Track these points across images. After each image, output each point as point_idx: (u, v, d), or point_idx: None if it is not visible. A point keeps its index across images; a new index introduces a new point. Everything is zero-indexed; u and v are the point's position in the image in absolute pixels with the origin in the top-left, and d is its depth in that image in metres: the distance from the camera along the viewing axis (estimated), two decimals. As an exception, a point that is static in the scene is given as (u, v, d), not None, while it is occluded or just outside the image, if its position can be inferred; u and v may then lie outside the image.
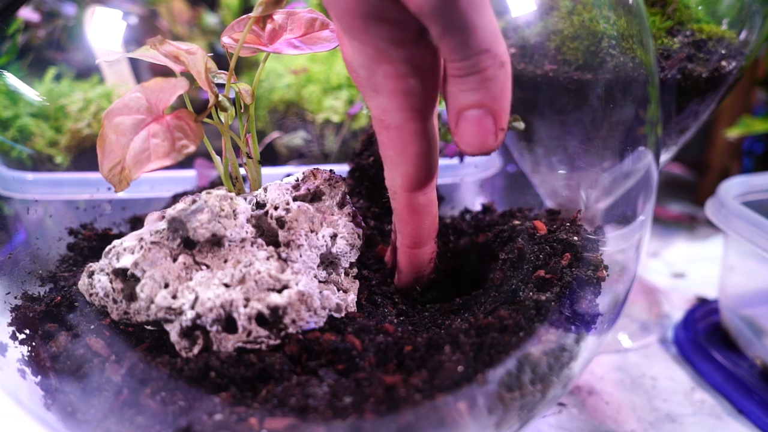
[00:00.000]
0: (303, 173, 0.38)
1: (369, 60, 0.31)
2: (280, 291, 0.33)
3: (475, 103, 0.29)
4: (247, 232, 0.34)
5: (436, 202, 0.36)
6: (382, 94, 0.32)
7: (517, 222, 0.42)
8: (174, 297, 0.32)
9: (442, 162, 0.51)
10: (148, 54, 0.35)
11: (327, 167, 0.39)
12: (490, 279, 0.39)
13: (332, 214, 0.37)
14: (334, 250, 0.36)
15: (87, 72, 0.68)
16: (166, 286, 0.33)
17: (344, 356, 0.31)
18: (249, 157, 0.39)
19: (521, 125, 0.31)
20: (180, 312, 0.32)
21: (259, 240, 0.35)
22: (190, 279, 0.33)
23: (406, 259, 0.38)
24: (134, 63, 0.69)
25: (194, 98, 0.64)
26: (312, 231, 0.36)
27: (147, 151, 0.31)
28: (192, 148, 0.32)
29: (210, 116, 0.36)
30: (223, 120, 0.37)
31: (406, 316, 0.39)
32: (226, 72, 0.36)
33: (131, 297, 0.34)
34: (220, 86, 0.36)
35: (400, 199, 0.35)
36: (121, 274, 0.34)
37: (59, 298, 0.37)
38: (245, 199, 0.36)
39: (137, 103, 0.32)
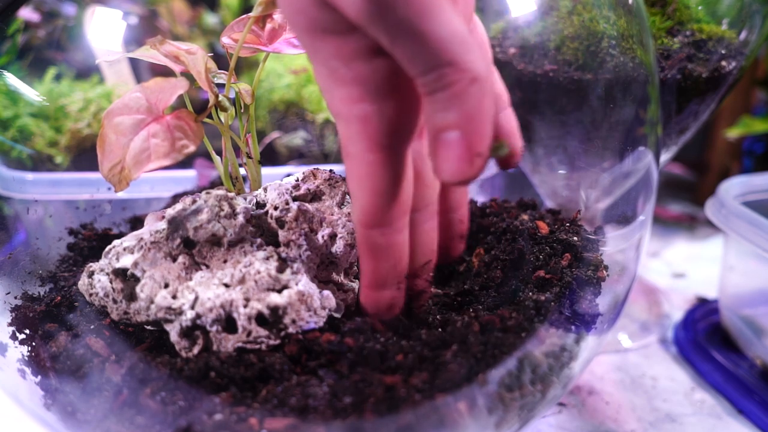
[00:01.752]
0: (303, 173, 0.38)
1: (324, 80, 0.28)
2: (280, 291, 0.33)
3: (446, 124, 0.26)
4: (247, 232, 0.34)
5: (402, 245, 0.32)
6: (341, 118, 0.28)
7: (525, 217, 0.42)
8: (174, 297, 0.32)
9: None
10: (148, 54, 0.35)
11: (327, 167, 0.39)
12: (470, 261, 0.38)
13: (332, 214, 0.37)
14: (333, 250, 0.36)
15: (87, 72, 0.68)
16: (166, 286, 0.33)
17: (340, 357, 0.31)
18: (249, 157, 0.39)
19: (505, 150, 0.27)
20: (180, 312, 0.32)
21: (259, 240, 0.35)
22: (190, 279, 0.33)
23: (363, 298, 0.33)
24: (134, 63, 0.69)
25: (194, 98, 0.64)
26: (312, 231, 0.36)
27: (147, 150, 0.31)
28: (192, 148, 0.32)
29: (210, 116, 0.36)
30: (223, 120, 0.37)
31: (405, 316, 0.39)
32: (226, 72, 0.36)
33: (131, 297, 0.34)
34: (220, 86, 0.36)
35: (357, 233, 0.31)
36: (121, 274, 0.34)
37: (59, 298, 0.37)
38: (245, 199, 0.36)
39: (137, 103, 0.32)
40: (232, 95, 0.37)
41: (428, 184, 0.33)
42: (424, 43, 0.24)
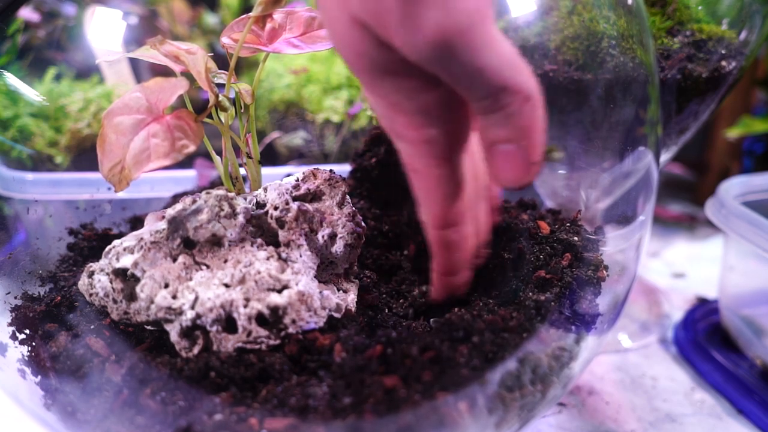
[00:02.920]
0: (303, 173, 0.38)
1: (386, 111, 0.30)
2: (280, 291, 0.33)
3: (503, 138, 0.28)
4: (247, 232, 0.34)
5: (470, 236, 0.35)
6: (404, 141, 0.31)
7: (525, 217, 0.42)
8: (174, 297, 0.32)
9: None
10: (148, 54, 0.35)
11: (327, 167, 0.39)
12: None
13: (332, 214, 0.37)
14: (334, 250, 0.36)
15: (87, 72, 0.68)
16: (166, 286, 0.33)
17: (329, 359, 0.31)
18: (249, 157, 0.39)
19: (558, 155, 0.31)
20: (180, 312, 0.32)
21: (259, 240, 0.35)
22: (190, 279, 0.33)
23: (440, 284, 0.37)
24: (134, 63, 0.69)
25: (194, 98, 0.64)
26: (312, 231, 0.36)
27: (147, 150, 0.31)
28: (192, 148, 0.32)
29: (210, 116, 0.36)
30: (223, 120, 0.37)
31: (405, 317, 0.39)
32: (226, 72, 0.36)
33: (131, 297, 0.34)
34: (220, 86, 0.36)
35: (430, 235, 0.35)
36: (121, 274, 0.34)
37: (59, 298, 0.37)
38: (245, 199, 0.36)
39: (137, 103, 0.32)
40: (232, 95, 0.37)
41: (478, 176, 0.36)
42: (481, 76, 0.26)
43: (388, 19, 0.25)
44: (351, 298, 0.36)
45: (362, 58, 0.28)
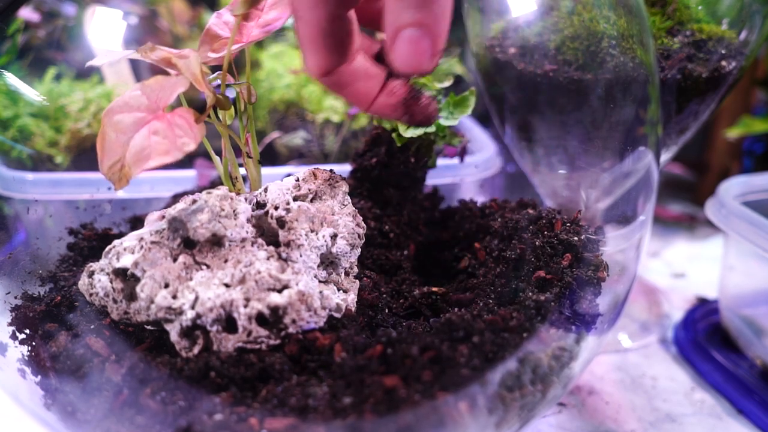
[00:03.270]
0: (303, 173, 0.38)
1: None
2: (280, 291, 0.33)
3: (414, 21, 0.28)
4: (247, 232, 0.34)
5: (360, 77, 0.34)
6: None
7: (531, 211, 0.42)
8: (174, 297, 0.32)
9: (442, 162, 0.51)
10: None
11: (327, 167, 0.39)
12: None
13: (332, 214, 0.37)
14: (334, 250, 0.36)
15: (87, 72, 0.68)
16: (167, 286, 0.33)
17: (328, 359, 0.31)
18: (249, 156, 0.39)
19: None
20: (180, 312, 0.32)
21: (260, 240, 0.35)
22: (191, 279, 0.33)
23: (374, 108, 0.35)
24: (134, 63, 0.69)
25: (194, 98, 0.64)
26: (312, 231, 0.36)
27: (147, 148, 0.31)
28: (192, 146, 0.32)
29: (211, 117, 0.36)
30: (222, 120, 0.37)
31: (404, 318, 0.39)
32: (220, 72, 0.36)
33: (131, 297, 0.34)
34: (218, 87, 0.36)
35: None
36: (121, 274, 0.34)
37: (59, 298, 0.37)
38: (245, 199, 0.36)
39: (137, 102, 0.32)
40: (232, 96, 0.37)
41: None
42: None
43: None
44: (351, 298, 0.36)
45: None
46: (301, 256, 0.34)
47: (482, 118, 0.68)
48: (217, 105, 0.35)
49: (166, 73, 0.35)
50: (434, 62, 0.30)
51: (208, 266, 0.34)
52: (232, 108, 0.37)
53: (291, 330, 0.32)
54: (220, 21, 0.37)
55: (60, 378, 0.32)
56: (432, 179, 0.49)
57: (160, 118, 0.32)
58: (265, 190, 0.37)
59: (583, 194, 0.48)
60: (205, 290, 0.32)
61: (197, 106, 0.35)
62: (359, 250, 0.38)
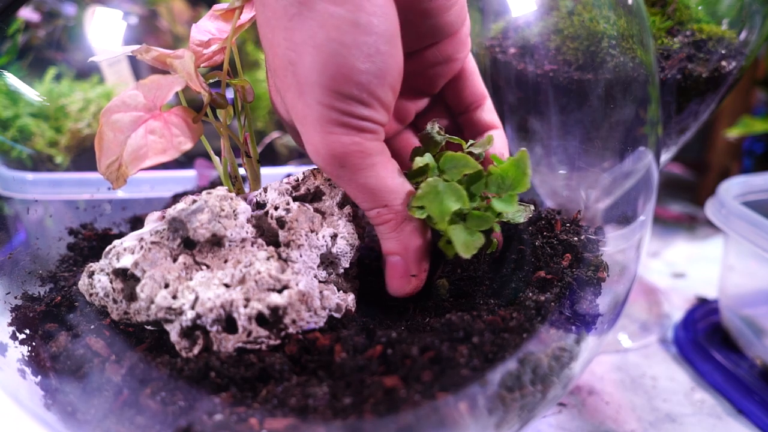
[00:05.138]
0: (303, 173, 0.38)
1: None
2: (280, 291, 0.33)
3: (390, 250, 0.34)
4: (247, 232, 0.34)
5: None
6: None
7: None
8: (174, 297, 0.32)
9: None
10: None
11: (327, 167, 0.39)
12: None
13: (332, 214, 0.37)
14: (334, 250, 0.36)
15: (87, 72, 0.68)
16: (167, 286, 0.33)
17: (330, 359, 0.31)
18: (248, 156, 0.39)
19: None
20: (180, 312, 0.32)
21: (260, 240, 0.35)
22: (191, 279, 0.33)
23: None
24: (134, 63, 0.69)
25: (195, 98, 0.64)
26: (312, 231, 0.36)
27: (144, 147, 0.31)
28: (189, 145, 0.32)
29: (209, 116, 0.36)
30: (221, 119, 0.37)
31: (404, 318, 0.39)
32: (220, 72, 0.36)
33: (131, 297, 0.34)
34: (215, 86, 0.36)
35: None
36: (121, 274, 0.34)
37: (59, 298, 0.37)
38: (245, 199, 0.36)
39: (135, 101, 0.32)
40: (231, 96, 0.37)
41: None
42: (365, 192, 0.33)
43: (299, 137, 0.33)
44: (351, 298, 0.36)
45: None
46: (301, 256, 0.34)
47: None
48: (214, 104, 0.35)
49: (166, 73, 0.35)
50: (412, 286, 0.35)
51: (208, 266, 0.34)
52: (231, 108, 0.37)
53: (291, 330, 0.32)
54: (199, 30, 0.37)
55: (60, 378, 0.32)
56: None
57: (156, 117, 0.32)
58: (265, 190, 0.37)
59: (583, 194, 0.48)
60: (205, 290, 0.32)
61: (197, 106, 0.35)
62: (359, 250, 0.38)
